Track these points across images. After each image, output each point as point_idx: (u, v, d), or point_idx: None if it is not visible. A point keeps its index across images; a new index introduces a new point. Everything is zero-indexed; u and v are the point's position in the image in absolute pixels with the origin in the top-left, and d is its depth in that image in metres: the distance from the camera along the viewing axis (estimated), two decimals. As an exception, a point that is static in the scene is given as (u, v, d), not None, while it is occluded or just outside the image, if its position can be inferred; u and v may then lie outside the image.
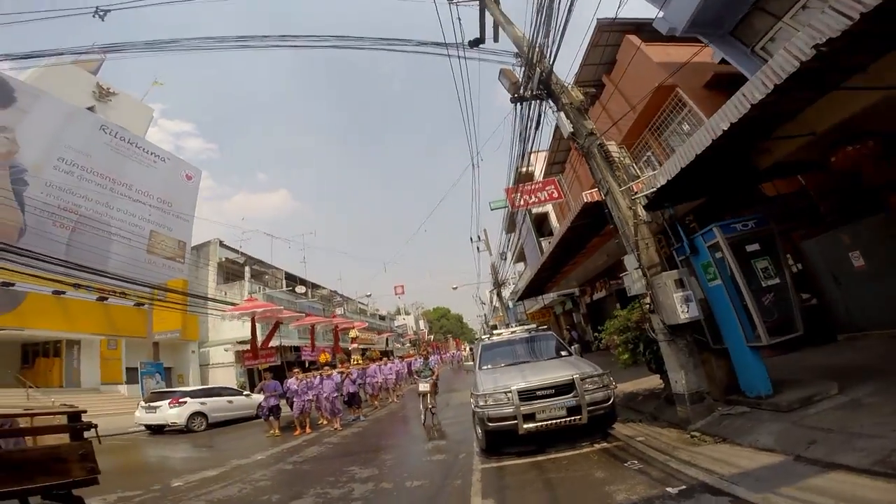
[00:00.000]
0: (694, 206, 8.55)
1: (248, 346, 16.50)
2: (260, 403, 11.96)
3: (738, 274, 5.27)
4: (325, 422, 12.04)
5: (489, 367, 7.56)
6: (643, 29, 11.01)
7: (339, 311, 33.81)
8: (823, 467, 3.40)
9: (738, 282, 5.27)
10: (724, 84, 9.05)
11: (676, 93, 10.40)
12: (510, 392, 5.84)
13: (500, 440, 6.10)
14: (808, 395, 4.81)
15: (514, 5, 7.23)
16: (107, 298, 15.39)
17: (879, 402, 4.21)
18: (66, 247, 18.62)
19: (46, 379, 19.47)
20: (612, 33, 11.86)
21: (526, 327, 9.68)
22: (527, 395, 5.81)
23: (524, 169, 10.76)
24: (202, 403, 14.22)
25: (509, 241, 23.04)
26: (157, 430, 13.82)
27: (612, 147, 6.91)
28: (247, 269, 29.77)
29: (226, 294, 25.42)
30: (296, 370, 12.34)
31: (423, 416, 9.95)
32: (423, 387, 10.11)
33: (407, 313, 72.64)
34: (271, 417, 11.37)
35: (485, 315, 54.02)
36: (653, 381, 7.78)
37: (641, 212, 6.22)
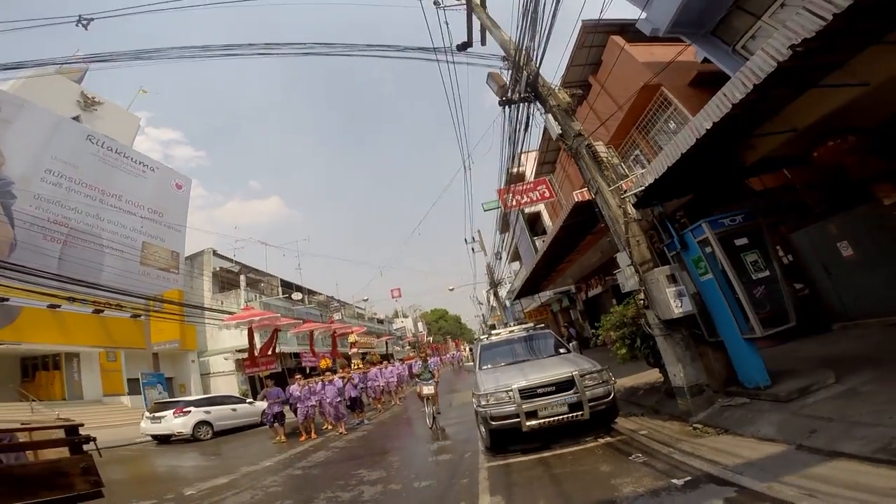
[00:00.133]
0: (684, 201, 8.70)
1: (247, 355, 16.49)
2: (264, 411, 12.02)
3: (728, 268, 5.39)
4: (329, 427, 12.10)
5: (489, 366, 7.63)
6: (627, 30, 11.15)
7: (336, 316, 33.74)
8: (826, 456, 3.50)
9: (729, 275, 5.38)
10: (707, 82, 9.23)
11: (662, 92, 10.55)
12: (511, 391, 5.91)
13: (505, 438, 6.16)
14: (805, 384, 4.93)
15: (500, 7, 7.34)
16: (102, 311, 15.31)
17: (876, 391, 4.33)
18: (59, 261, 18.46)
19: (48, 392, 19.37)
20: (597, 34, 11.99)
21: (524, 326, 9.76)
22: (528, 393, 5.89)
23: (515, 170, 10.87)
24: (207, 412, 14.26)
25: (503, 241, 23.15)
26: (163, 440, 13.84)
27: (600, 147, 7.04)
28: (242, 277, 29.68)
29: (222, 303, 25.33)
30: (298, 376, 12.39)
31: (428, 420, 9.65)
32: (428, 389, 9.82)
33: (405, 316, 72.57)
34: (276, 424, 11.43)
35: (483, 315, 54.13)
36: (652, 375, 7.90)
37: (631, 210, 6.34)
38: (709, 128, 4.46)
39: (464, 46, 8.50)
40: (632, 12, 8.75)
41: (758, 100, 4.40)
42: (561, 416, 5.72)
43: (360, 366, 17.29)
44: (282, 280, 34.51)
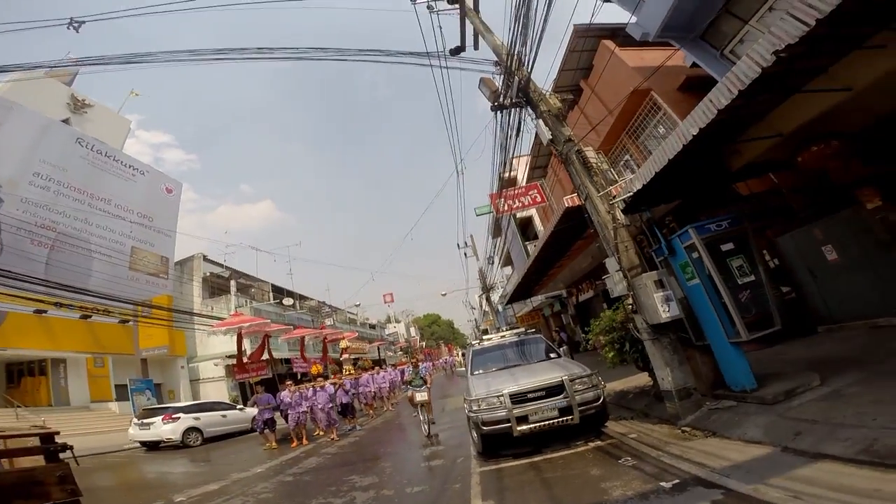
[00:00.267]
0: (672, 207, 8.81)
1: (247, 359, 16.38)
2: (255, 417, 11.91)
3: (714, 273, 5.45)
4: (321, 433, 12.02)
5: (481, 371, 7.66)
6: (618, 34, 11.27)
7: (328, 321, 33.57)
8: (811, 458, 3.55)
9: (716, 280, 5.45)
10: (696, 87, 9.37)
11: (651, 96, 10.68)
12: (502, 396, 5.93)
13: (496, 443, 6.18)
14: (791, 387, 4.99)
15: (493, 13, 7.41)
16: (90, 316, 15.15)
17: (859, 392, 4.41)
18: (46, 266, 18.24)
19: (34, 398, 19.06)
20: (588, 39, 12.11)
21: (515, 331, 9.80)
22: (518, 398, 5.91)
23: (507, 174, 10.95)
24: (196, 419, 14.12)
25: (495, 245, 23.22)
26: (152, 446, 13.66)
27: (590, 152, 7.11)
28: (232, 282, 29.45)
29: (212, 309, 25.11)
30: (288, 382, 12.31)
31: (424, 428, 9.15)
32: (421, 396, 9.39)
33: (397, 321, 72.41)
34: (267, 430, 11.34)
35: (475, 320, 54.17)
36: (642, 379, 7.97)
37: (620, 215, 6.41)
38: (695, 134, 4.52)
39: (457, 51, 8.57)
40: (622, 17, 8.87)
41: (743, 105, 4.47)
42: (551, 421, 5.75)
43: (352, 371, 17.18)
44: (273, 285, 34.28)
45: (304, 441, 11.33)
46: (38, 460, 4.24)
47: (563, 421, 5.73)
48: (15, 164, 18.76)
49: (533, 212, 22.45)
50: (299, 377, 17.54)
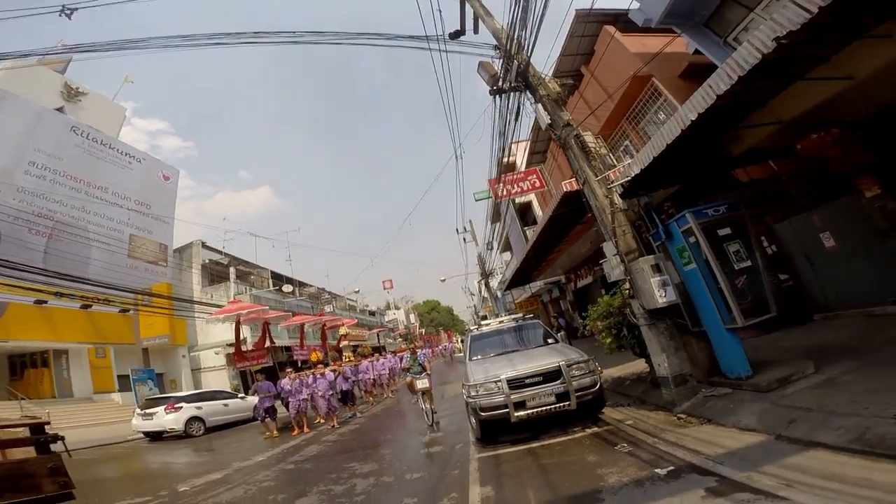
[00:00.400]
0: (672, 192, 8.78)
1: (246, 347, 16.46)
2: (256, 405, 12.00)
3: (711, 257, 5.45)
4: (321, 420, 12.13)
5: (479, 357, 7.70)
6: (620, 19, 11.13)
7: (327, 308, 33.68)
8: (803, 446, 3.59)
9: (712, 265, 5.45)
10: (698, 74, 9.23)
11: (652, 82, 10.57)
12: (500, 381, 5.97)
13: (494, 429, 6.24)
14: (786, 374, 5.03)
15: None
16: (90, 306, 15.14)
17: (853, 380, 4.44)
18: (45, 255, 18.21)
19: (37, 390, 19.19)
20: (589, 24, 11.94)
21: (513, 317, 9.83)
22: (516, 384, 5.94)
23: (506, 159, 10.88)
24: (198, 408, 14.25)
25: (494, 231, 23.19)
26: (155, 436, 13.81)
27: (589, 137, 7.07)
28: (231, 269, 29.46)
29: (212, 296, 25.16)
30: (288, 370, 12.38)
31: (427, 418, 8.87)
32: (422, 383, 8.95)
33: (397, 308, 72.73)
34: (268, 419, 11.42)
35: (474, 306, 54.36)
36: (639, 366, 8.02)
37: (618, 200, 6.40)
38: (694, 119, 4.48)
39: (456, 35, 8.42)
40: (624, 2, 8.74)
41: (743, 91, 4.42)
42: (549, 407, 5.79)
43: (352, 358, 17.30)
44: (272, 272, 34.32)
45: (305, 429, 11.45)
46: (30, 451, 4.15)
47: (560, 407, 5.77)
48: (9, 154, 18.61)
49: (532, 197, 22.36)
50: (299, 365, 17.65)
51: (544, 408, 5.79)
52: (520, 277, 20.48)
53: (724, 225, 5.78)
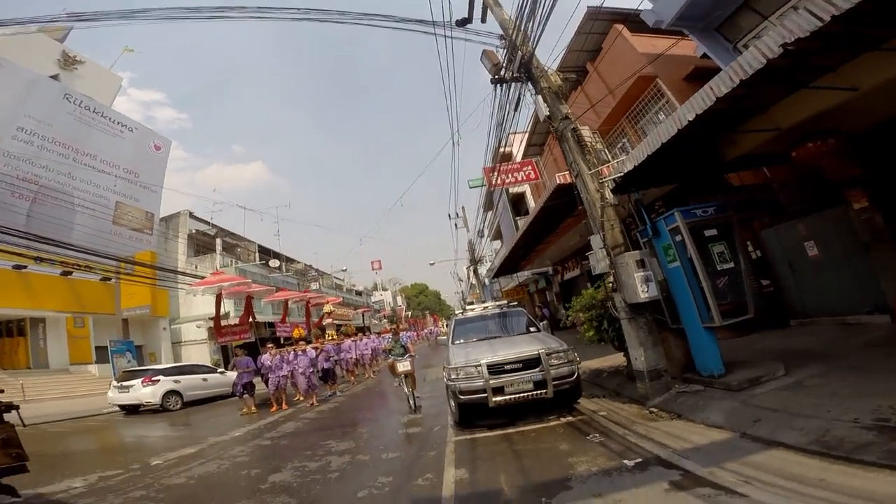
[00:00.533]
0: (664, 192, 8.83)
1: (227, 321, 16.31)
2: (234, 381, 11.94)
3: (695, 257, 5.53)
4: (301, 398, 12.15)
5: (462, 341, 7.75)
6: (631, 19, 11.06)
7: (314, 286, 33.56)
8: (766, 445, 3.70)
9: (696, 264, 5.53)
10: (703, 77, 9.14)
11: (656, 83, 10.58)
12: (480, 366, 6.02)
13: (473, 413, 6.32)
14: (756, 375, 5.16)
15: None
16: (71, 273, 14.82)
17: (819, 384, 4.59)
18: (27, 218, 17.84)
19: (12, 360, 18.86)
20: (600, 21, 11.89)
21: (498, 303, 9.91)
22: (496, 369, 6.00)
23: (503, 149, 10.85)
24: (176, 382, 14.05)
25: (485, 218, 23.20)
26: (131, 410, 13.62)
27: (586, 132, 7.10)
28: (218, 241, 29.16)
29: (196, 267, 24.92)
30: (269, 345, 12.32)
31: (410, 402, 8.60)
32: (404, 366, 8.58)
33: (384, 289, 72.64)
34: (246, 395, 11.36)
35: (462, 292, 54.56)
36: (618, 359, 8.14)
37: (608, 195, 6.43)
38: (691, 119, 4.46)
39: (463, 22, 8.30)
40: (636, 2, 8.67)
41: (745, 96, 4.39)
42: (526, 394, 5.87)
43: (335, 337, 17.31)
44: (259, 246, 34.02)
45: (284, 406, 11.45)
46: None
47: (537, 394, 5.85)
48: (-2, 118, 18.19)
49: (526, 188, 22.37)
50: (282, 341, 17.58)
51: (522, 394, 5.87)
52: (508, 266, 20.56)
53: (711, 226, 5.85)
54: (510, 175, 14.25)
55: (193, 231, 28.82)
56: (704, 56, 9.02)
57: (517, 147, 19.94)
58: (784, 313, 8.59)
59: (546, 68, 7.41)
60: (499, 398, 5.87)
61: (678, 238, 5.72)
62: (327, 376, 13.30)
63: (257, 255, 33.52)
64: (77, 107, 21.42)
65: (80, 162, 21.11)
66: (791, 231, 8.26)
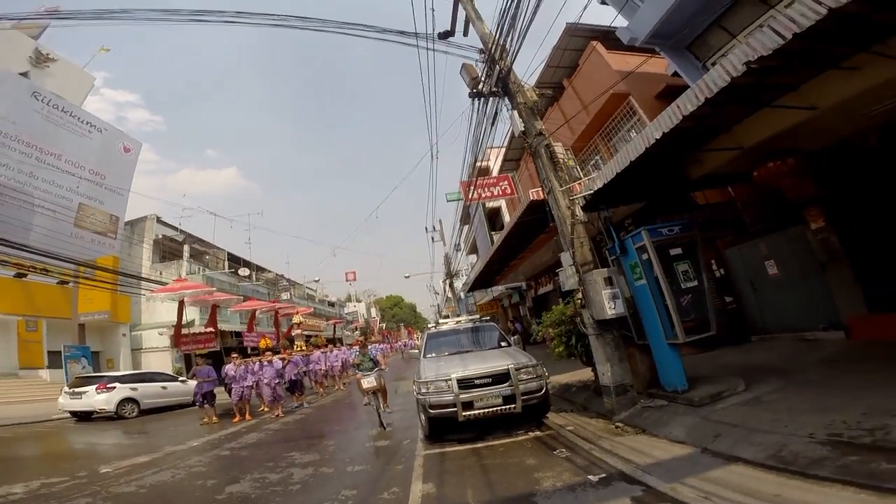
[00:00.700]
0: (634, 210, 9.03)
1: (189, 330, 15.72)
2: (194, 390, 11.52)
3: (661, 275, 5.65)
4: (265, 409, 11.80)
5: (433, 354, 7.70)
6: (608, 37, 11.35)
7: (285, 295, 32.84)
8: (725, 460, 3.75)
9: (661, 282, 5.64)
10: (674, 96, 9.39)
11: (629, 101, 10.83)
12: (450, 380, 5.99)
13: (442, 427, 6.27)
14: (718, 391, 5.27)
15: (487, 3, 7.28)
16: (26, 275, 14.08)
17: (778, 399, 4.71)
18: (-21, 217, 16.98)
19: (-45, 363, 17.68)
20: (577, 38, 12.15)
21: (470, 318, 9.91)
22: (466, 384, 5.98)
23: (480, 163, 10.93)
24: (133, 389, 13.55)
25: (461, 232, 23.28)
26: (83, 417, 13.05)
27: (559, 148, 7.18)
28: (186, 247, 28.27)
29: (161, 274, 24.05)
30: (234, 355, 11.96)
31: (380, 419, 7.82)
32: (368, 382, 7.82)
33: (358, 300, 71.66)
34: (206, 405, 11.02)
35: (438, 305, 54.36)
36: (586, 374, 8.19)
37: (579, 212, 6.53)
38: (658, 137, 4.54)
39: (445, 35, 8.39)
40: (612, 19, 8.89)
41: (711, 114, 4.48)
42: (495, 408, 5.85)
43: (303, 348, 16.90)
44: (229, 254, 33.13)
45: (248, 416, 11.11)
46: None
47: (506, 409, 5.84)
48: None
49: (502, 203, 22.59)
50: (249, 351, 17.07)
51: (491, 409, 5.85)
52: (483, 280, 20.66)
53: (676, 245, 5.99)
54: (487, 189, 14.37)
55: (160, 236, 27.93)
56: (675, 74, 9.29)
57: (494, 162, 20.18)
58: (745, 330, 8.85)
59: (523, 83, 7.52)
60: (469, 412, 5.84)
61: (645, 256, 5.84)
62: (295, 387, 12.94)
63: (227, 262, 32.61)
64: (45, 105, 21.13)
65: (44, 161, 20.71)
66: (753, 250, 8.56)
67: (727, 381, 5.54)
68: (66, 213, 21.01)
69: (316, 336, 28.45)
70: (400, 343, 55.31)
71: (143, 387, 13.91)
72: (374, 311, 76.83)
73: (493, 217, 24.71)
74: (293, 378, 12.87)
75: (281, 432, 8.97)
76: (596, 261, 6.39)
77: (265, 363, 11.62)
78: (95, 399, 12.73)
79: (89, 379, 13.79)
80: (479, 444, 5.78)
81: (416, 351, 10.88)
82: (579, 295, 6.40)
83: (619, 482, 3.86)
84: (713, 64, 7.99)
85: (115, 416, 12.78)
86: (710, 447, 4.06)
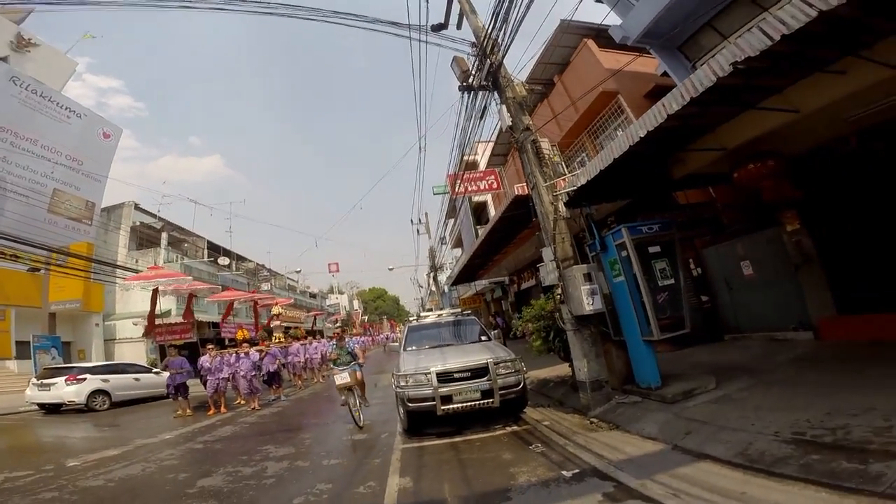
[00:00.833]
0: (617, 207, 9.10)
1: (163, 320, 15.39)
2: (167, 381, 11.27)
3: (639, 272, 5.71)
4: (241, 401, 11.63)
5: (414, 348, 7.71)
6: (601, 35, 11.37)
7: (265, 286, 32.38)
8: (695, 457, 3.83)
9: (639, 279, 5.70)
10: (662, 96, 9.58)
11: (618, 99, 10.87)
12: (429, 374, 6.00)
13: (421, 421, 6.26)
14: (690, 388, 5.36)
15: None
16: (-7, 262, 13.60)
17: (746, 397, 4.82)
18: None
19: (-84, 352, 17.07)
20: (571, 35, 12.12)
21: (452, 311, 9.92)
22: (445, 377, 5.99)
23: (468, 157, 10.89)
24: (105, 381, 13.17)
25: (446, 226, 23.23)
26: (52, 409, 12.67)
27: (545, 144, 7.19)
28: (164, 234, 27.64)
29: (137, 262, 23.51)
30: (209, 346, 11.73)
31: (354, 417, 7.32)
32: (342, 379, 7.26)
33: (341, 292, 71.17)
34: (179, 397, 10.81)
35: (421, 298, 54.29)
36: (564, 369, 8.26)
37: (562, 208, 6.56)
38: (643, 136, 4.55)
39: (439, 27, 8.31)
40: (607, 18, 8.85)
41: (696, 114, 4.51)
42: (474, 403, 5.88)
43: (282, 339, 16.69)
44: (209, 242, 32.51)
45: (223, 409, 10.93)
46: None
47: (484, 403, 5.87)
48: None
49: (488, 197, 22.59)
50: (226, 343, 16.79)
51: (470, 403, 5.88)
52: (466, 274, 20.65)
53: (655, 243, 6.06)
54: (473, 184, 14.36)
55: (138, 223, 27.28)
56: (665, 74, 9.35)
57: (483, 156, 20.14)
58: (719, 329, 9.03)
59: (512, 78, 7.50)
60: (447, 406, 5.85)
61: (624, 253, 5.89)
62: (272, 380, 12.78)
63: (206, 251, 32.00)
64: (22, 90, 20.75)
65: (18, 146, 20.31)
66: (730, 250, 8.71)
67: (699, 379, 5.64)
68: (39, 199, 20.56)
69: (295, 328, 28.16)
70: (382, 336, 55.06)
71: (115, 378, 13.55)
72: (356, 304, 76.47)
73: (479, 211, 24.72)
74: (271, 370, 12.71)
75: (256, 425, 8.85)
76: (577, 257, 6.44)
77: (242, 355, 11.43)
78: (65, 391, 12.37)
79: (59, 370, 13.38)
80: (458, 439, 5.79)
81: (397, 344, 10.80)
82: (559, 290, 6.44)
83: (591, 478, 3.91)
84: (702, 65, 8.06)
85: (85, 409, 12.44)
86: (680, 444, 4.13)
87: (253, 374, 11.44)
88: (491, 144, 19.01)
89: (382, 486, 4.40)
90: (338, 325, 49.69)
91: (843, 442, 3.22)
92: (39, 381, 12.79)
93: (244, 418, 9.77)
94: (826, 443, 3.29)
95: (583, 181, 5.86)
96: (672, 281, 6.00)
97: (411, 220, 31.04)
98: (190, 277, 16.74)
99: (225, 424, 9.14)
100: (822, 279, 7.16)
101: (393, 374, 6.69)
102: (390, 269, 45.25)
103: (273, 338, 16.69)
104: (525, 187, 8.73)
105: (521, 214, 9.77)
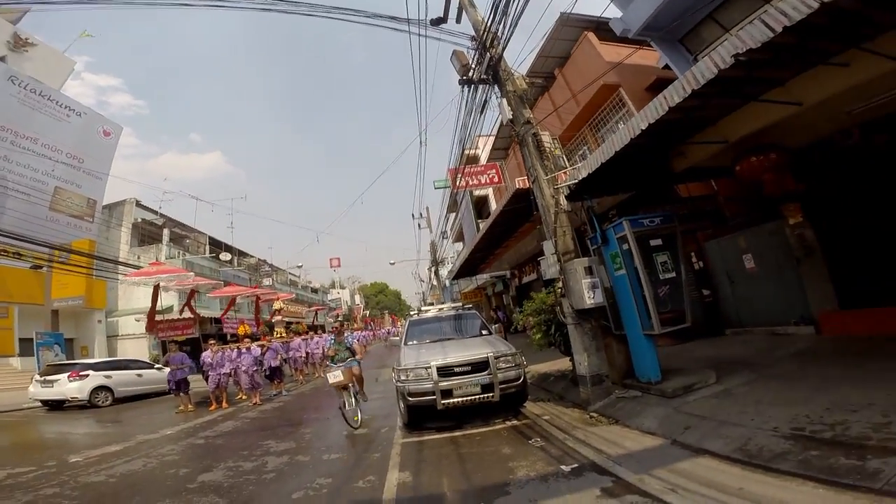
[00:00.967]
0: (619, 200, 9.05)
1: (164, 316, 15.40)
2: (168, 377, 11.34)
3: (640, 266, 5.68)
4: (243, 397, 11.70)
5: (414, 342, 7.70)
6: (602, 28, 11.28)
7: (267, 281, 32.43)
8: (693, 452, 3.82)
9: (640, 272, 5.67)
10: (664, 88, 9.52)
11: (619, 92, 10.79)
12: (430, 368, 5.99)
13: (421, 415, 6.27)
14: (690, 383, 5.35)
15: None
16: (-4, 259, 13.64)
17: (746, 392, 4.80)
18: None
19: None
20: (571, 28, 12.03)
21: (453, 305, 9.91)
22: (445, 372, 5.98)
23: (469, 151, 10.83)
24: (107, 377, 13.25)
25: (447, 220, 23.19)
26: (55, 405, 12.76)
27: (546, 137, 7.14)
28: (165, 231, 27.69)
29: (139, 258, 23.56)
30: (211, 342, 11.75)
31: (346, 420, 6.92)
32: (335, 376, 6.83)
33: (342, 287, 71.34)
34: (181, 392, 10.87)
35: (423, 293, 54.34)
36: (564, 363, 8.24)
37: (563, 201, 6.52)
38: (644, 128, 4.50)
39: (438, 22, 8.25)
40: (608, 12, 8.76)
41: (698, 107, 4.45)
42: (474, 397, 5.87)
43: (283, 335, 16.74)
44: (210, 238, 32.53)
45: (224, 404, 10.98)
46: None
47: (484, 397, 5.86)
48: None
49: (489, 191, 22.53)
50: (228, 338, 16.83)
51: (470, 397, 5.87)
52: (468, 268, 20.68)
53: (656, 236, 6.02)
54: (474, 178, 14.27)
55: (139, 220, 27.36)
56: (667, 67, 9.26)
57: (484, 150, 20.04)
58: (720, 323, 8.99)
59: (513, 71, 7.45)
60: (447, 401, 5.84)
61: (625, 247, 5.85)
62: (274, 375, 12.82)
63: (208, 247, 32.04)
64: (21, 89, 20.97)
65: (19, 145, 20.58)
66: (732, 243, 8.66)
67: (699, 374, 5.62)
68: (41, 197, 20.79)
69: (297, 323, 28.25)
70: (383, 331, 55.20)
71: (117, 374, 13.63)
72: (358, 298, 76.65)
73: (481, 205, 24.67)
74: (272, 365, 12.76)
75: (258, 420, 8.90)
76: (578, 250, 6.41)
77: (243, 350, 11.47)
78: (67, 387, 12.43)
79: (62, 367, 13.44)
80: (457, 433, 5.79)
81: (398, 338, 10.79)
82: (560, 284, 6.42)
83: (590, 472, 3.91)
84: (705, 57, 7.98)
85: (87, 405, 12.53)
86: (679, 439, 4.12)
87: (254, 369, 11.48)
88: (492, 138, 18.90)
89: (382, 480, 4.42)
90: (338, 318, 49.97)
91: (841, 438, 3.21)
92: (42, 378, 12.86)
93: (245, 413, 9.83)
94: (825, 438, 3.27)
95: (584, 174, 5.82)
96: (673, 274, 5.97)
97: (412, 215, 30.97)
98: (191, 273, 16.74)
99: (226, 420, 9.20)
100: (824, 272, 7.12)
101: (393, 368, 6.69)
102: (392, 264, 45.28)
103: (274, 333, 16.73)
104: (526, 181, 8.69)
105: (522, 208, 9.74)
